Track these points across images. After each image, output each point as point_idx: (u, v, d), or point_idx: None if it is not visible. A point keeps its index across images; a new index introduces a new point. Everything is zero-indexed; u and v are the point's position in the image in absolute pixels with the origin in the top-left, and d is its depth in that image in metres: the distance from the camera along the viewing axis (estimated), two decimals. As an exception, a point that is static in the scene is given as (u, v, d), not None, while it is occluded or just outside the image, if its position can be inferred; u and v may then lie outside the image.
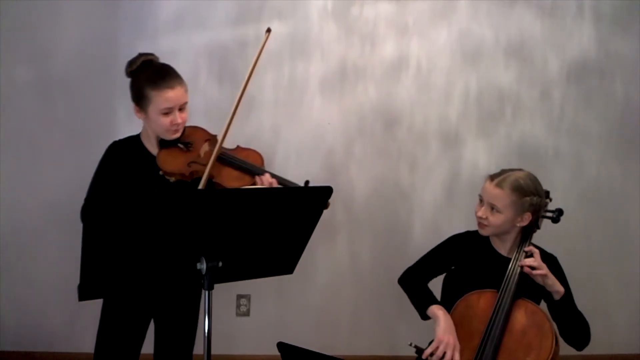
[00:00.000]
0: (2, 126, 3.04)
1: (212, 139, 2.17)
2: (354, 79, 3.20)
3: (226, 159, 2.12)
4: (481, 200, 2.07)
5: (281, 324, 3.26)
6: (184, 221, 1.44)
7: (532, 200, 2.03)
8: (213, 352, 1.55)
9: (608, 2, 3.27)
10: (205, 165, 2.04)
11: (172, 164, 2.04)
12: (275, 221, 1.56)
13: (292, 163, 3.19)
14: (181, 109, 2.04)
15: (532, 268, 1.95)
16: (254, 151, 2.21)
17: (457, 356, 1.87)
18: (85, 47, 3.05)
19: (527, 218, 2.05)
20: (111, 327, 2.13)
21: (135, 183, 2.04)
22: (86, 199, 2.02)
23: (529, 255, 2.00)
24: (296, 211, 1.58)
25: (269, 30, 2.16)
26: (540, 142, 3.30)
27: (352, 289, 3.27)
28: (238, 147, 2.22)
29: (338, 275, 3.28)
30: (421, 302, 2.05)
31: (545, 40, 3.26)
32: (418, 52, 3.22)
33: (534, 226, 2.10)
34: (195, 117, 3.06)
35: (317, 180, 3.15)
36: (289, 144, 3.20)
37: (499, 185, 2.01)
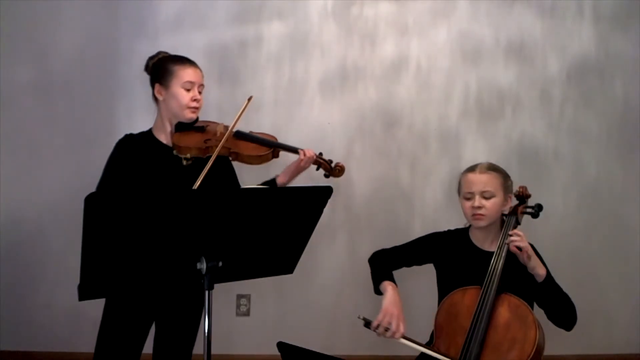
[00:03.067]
0: (2, 126, 3.04)
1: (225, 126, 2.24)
2: (354, 79, 3.20)
3: (242, 133, 2.21)
4: (468, 199, 2.07)
5: (281, 324, 3.26)
6: (184, 221, 1.44)
7: (511, 182, 2.12)
8: (213, 352, 1.55)
9: (608, 2, 3.27)
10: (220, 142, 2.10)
11: (188, 140, 2.09)
12: (275, 221, 1.56)
13: (292, 163, 3.19)
14: (199, 91, 2.14)
15: (518, 248, 1.99)
16: (267, 134, 2.32)
17: (401, 326, 1.93)
18: (85, 47, 3.05)
19: (509, 202, 2.11)
20: (113, 327, 2.10)
21: (147, 173, 2.07)
22: (97, 190, 2.02)
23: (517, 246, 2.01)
24: (296, 211, 1.58)
25: (250, 98, 2.20)
26: (540, 142, 3.30)
27: (352, 289, 3.27)
28: (251, 132, 2.29)
29: (338, 275, 3.28)
30: (378, 278, 2.12)
31: (545, 40, 3.26)
32: (418, 52, 3.22)
33: (514, 221, 2.10)
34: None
35: (317, 180, 3.17)
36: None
37: (482, 171, 2.07)
